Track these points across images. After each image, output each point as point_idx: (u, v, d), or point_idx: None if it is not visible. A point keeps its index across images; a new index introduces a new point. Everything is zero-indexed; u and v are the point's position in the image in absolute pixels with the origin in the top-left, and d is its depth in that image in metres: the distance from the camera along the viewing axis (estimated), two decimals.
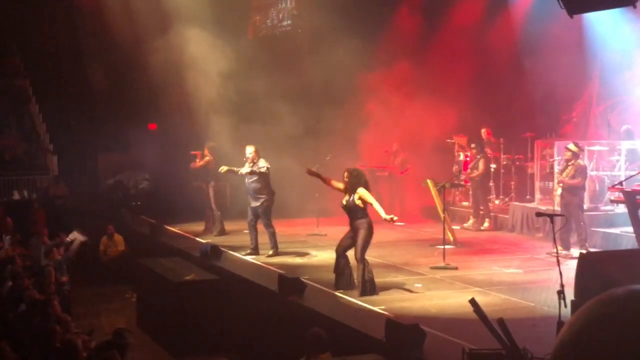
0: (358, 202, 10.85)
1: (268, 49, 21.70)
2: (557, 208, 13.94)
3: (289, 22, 22.83)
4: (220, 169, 14.56)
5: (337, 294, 11.03)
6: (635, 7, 11.24)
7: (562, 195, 13.87)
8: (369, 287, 10.83)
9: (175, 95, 20.13)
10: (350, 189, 10.99)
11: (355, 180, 10.96)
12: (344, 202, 11.04)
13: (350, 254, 11.08)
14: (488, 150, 17.74)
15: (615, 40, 16.98)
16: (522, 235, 16.24)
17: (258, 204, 14.09)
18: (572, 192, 13.70)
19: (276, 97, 19.65)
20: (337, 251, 11.25)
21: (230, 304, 12.50)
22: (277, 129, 18.64)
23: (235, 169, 14.29)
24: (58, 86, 22.41)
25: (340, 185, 11.16)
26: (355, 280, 11.03)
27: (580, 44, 17.31)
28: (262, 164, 14.08)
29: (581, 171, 13.77)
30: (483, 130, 18.39)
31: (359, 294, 10.82)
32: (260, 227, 14.27)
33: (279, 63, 20.35)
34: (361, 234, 10.86)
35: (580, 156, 14.26)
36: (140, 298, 14.79)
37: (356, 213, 10.93)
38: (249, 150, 14.21)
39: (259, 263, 13.72)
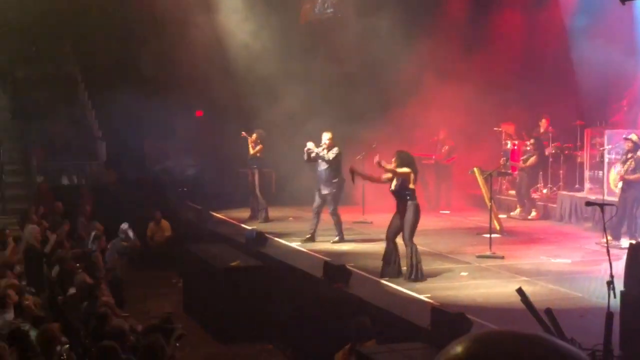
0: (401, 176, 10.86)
1: (314, 34, 21.63)
2: (614, 199, 13.71)
3: (331, 10, 22.74)
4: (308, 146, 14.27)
5: (382, 281, 11.03)
6: None
7: (622, 189, 13.69)
8: (416, 273, 10.82)
9: (222, 81, 20.18)
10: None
11: (398, 162, 10.98)
12: (392, 187, 11.08)
13: (400, 241, 11.07)
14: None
15: None
16: (571, 225, 16.02)
17: (327, 191, 14.14)
18: (632, 185, 13.53)
19: (322, 83, 19.58)
20: (387, 236, 11.28)
21: (275, 291, 12.54)
22: (322, 116, 18.59)
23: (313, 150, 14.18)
24: (107, 72, 22.59)
25: (389, 175, 11.14)
26: (404, 267, 11.03)
27: (631, 30, 16.98)
28: (335, 151, 14.11)
29: None
30: (543, 121, 18.10)
31: (406, 278, 10.82)
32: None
33: (324, 49, 20.30)
34: (408, 217, 10.90)
35: None
36: (186, 283, 14.91)
37: (403, 197, 10.95)
38: (326, 136, 14.25)
39: (304, 250, 13.75)
